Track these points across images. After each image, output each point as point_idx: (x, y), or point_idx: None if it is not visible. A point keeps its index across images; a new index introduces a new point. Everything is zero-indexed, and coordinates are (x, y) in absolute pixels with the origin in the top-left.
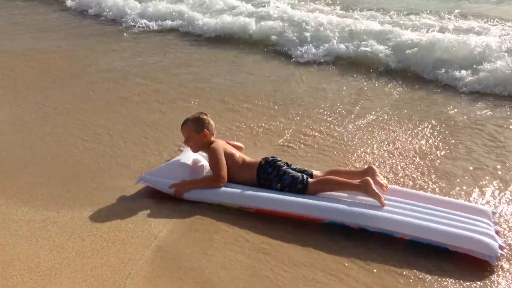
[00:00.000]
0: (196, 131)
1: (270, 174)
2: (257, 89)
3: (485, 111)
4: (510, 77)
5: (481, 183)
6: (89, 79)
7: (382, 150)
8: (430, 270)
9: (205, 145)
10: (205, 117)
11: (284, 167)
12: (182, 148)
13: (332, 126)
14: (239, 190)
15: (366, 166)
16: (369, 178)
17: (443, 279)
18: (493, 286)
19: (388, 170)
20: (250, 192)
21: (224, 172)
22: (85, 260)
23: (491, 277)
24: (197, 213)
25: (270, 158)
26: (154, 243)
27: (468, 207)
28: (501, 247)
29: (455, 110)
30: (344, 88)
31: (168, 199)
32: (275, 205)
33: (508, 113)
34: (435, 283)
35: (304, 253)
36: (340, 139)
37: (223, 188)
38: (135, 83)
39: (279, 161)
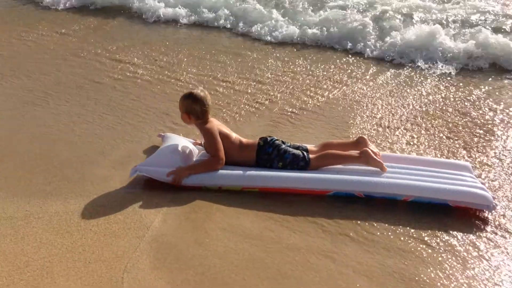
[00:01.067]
0: (186, 111)
1: (270, 154)
2: (231, 68)
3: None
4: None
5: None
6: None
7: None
8: (434, 227)
9: (198, 124)
10: (197, 94)
11: (283, 146)
12: (162, 134)
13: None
14: (240, 171)
15: (357, 137)
16: (368, 149)
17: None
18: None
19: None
20: (253, 172)
21: (222, 153)
22: (77, 256)
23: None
24: (188, 199)
25: (268, 138)
26: (148, 234)
27: (451, 164)
28: (493, 197)
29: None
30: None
31: (156, 187)
32: (281, 182)
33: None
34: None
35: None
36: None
37: (224, 170)
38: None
39: (277, 140)
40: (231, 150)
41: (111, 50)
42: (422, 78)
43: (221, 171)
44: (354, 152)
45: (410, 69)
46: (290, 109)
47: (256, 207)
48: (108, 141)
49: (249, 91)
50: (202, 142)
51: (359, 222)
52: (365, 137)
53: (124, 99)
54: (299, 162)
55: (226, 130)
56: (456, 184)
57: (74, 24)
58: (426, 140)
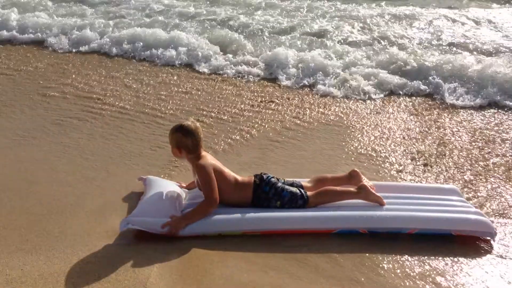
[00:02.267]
0: (176, 145)
1: (268, 193)
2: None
3: None
4: None
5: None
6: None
7: None
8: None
9: (191, 159)
10: (188, 126)
11: (279, 184)
12: (143, 177)
13: None
14: (239, 214)
15: (350, 170)
16: (365, 184)
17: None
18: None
19: None
20: (254, 215)
21: (216, 193)
22: None
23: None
24: (183, 249)
25: (264, 176)
26: None
27: (439, 189)
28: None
29: None
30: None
31: (145, 237)
32: (284, 224)
33: None
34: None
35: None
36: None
37: (223, 215)
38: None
39: (272, 177)
40: (227, 188)
41: (77, 86)
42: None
43: (219, 216)
44: (352, 188)
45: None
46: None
47: (256, 249)
48: (81, 190)
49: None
50: (196, 180)
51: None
52: (358, 170)
53: (93, 141)
54: (298, 201)
55: (220, 166)
56: (455, 212)
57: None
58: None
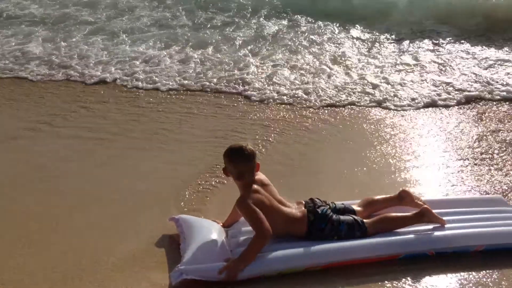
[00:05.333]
0: (224, 168)
1: (324, 229)
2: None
3: None
4: None
5: None
6: None
7: None
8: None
9: (239, 187)
10: (234, 151)
11: (334, 216)
12: (175, 217)
13: None
14: (301, 249)
15: (400, 191)
16: (428, 207)
17: None
18: None
19: None
20: (316, 248)
21: (266, 223)
22: None
23: None
24: None
25: (319, 211)
26: None
27: (486, 200)
28: None
29: None
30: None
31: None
32: (349, 254)
33: None
34: None
35: None
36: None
37: (282, 251)
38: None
39: (324, 206)
40: (277, 225)
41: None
42: None
43: (278, 253)
44: (411, 213)
45: None
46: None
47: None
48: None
49: None
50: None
51: None
52: (408, 190)
53: (96, 183)
54: (355, 232)
55: (267, 201)
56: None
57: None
58: None
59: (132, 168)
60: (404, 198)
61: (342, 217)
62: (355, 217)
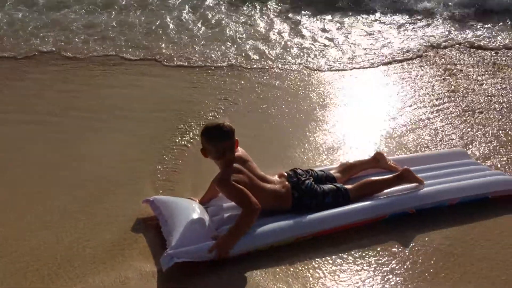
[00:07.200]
0: (202, 148)
1: (310, 204)
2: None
3: None
4: None
5: None
6: None
7: None
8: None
9: (219, 165)
10: (210, 129)
11: (318, 189)
12: (149, 198)
13: None
14: (291, 220)
15: (374, 153)
16: (406, 167)
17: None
18: None
19: None
20: (305, 218)
21: (253, 198)
22: None
23: None
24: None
25: (303, 187)
26: None
27: (450, 153)
28: None
29: None
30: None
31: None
32: (338, 220)
33: None
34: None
35: None
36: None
37: (270, 225)
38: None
39: (307, 179)
40: (262, 203)
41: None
42: None
43: (268, 227)
44: (392, 175)
45: None
46: None
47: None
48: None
49: None
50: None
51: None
52: (381, 151)
53: (52, 171)
54: (340, 200)
55: (248, 179)
56: (480, 176)
57: None
58: None
59: (89, 151)
60: (379, 160)
61: (325, 188)
62: (338, 185)
